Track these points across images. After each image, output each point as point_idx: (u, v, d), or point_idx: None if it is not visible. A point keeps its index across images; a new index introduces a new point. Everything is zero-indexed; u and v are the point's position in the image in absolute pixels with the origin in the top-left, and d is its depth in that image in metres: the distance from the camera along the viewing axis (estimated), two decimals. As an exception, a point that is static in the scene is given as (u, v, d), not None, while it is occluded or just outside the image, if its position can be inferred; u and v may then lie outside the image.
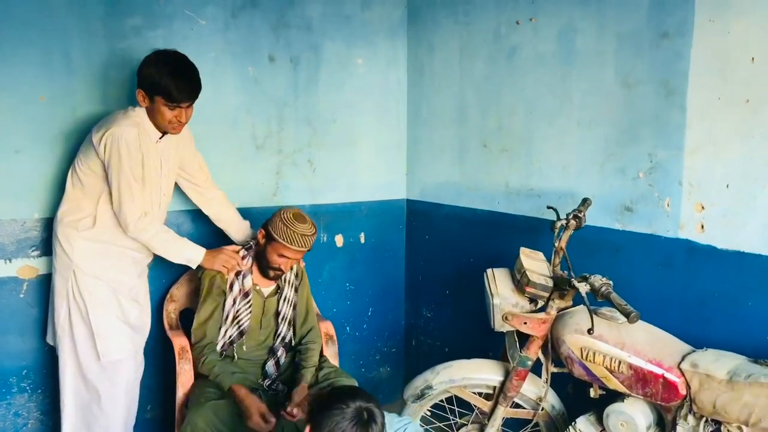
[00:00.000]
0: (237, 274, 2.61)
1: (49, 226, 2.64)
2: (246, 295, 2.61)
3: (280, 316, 2.69)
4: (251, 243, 2.70)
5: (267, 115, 3.20)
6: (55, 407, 2.59)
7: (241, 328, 2.61)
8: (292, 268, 2.71)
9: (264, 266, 2.61)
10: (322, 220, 3.45)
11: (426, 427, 2.70)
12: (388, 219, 3.72)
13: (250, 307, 2.62)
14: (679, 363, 2.04)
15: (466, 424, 2.63)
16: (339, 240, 3.53)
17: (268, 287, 2.69)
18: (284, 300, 2.70)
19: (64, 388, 2.52)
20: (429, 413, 2.66)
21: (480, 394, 2.53)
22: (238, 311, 2.59)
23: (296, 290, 2.76)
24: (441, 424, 2.69)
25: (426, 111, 3.54)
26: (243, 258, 2.64)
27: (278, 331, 2.70)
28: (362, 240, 3.62)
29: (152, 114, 2.44)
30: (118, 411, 2.54)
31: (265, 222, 2.61)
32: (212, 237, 2.93)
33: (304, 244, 2.52)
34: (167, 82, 2.34)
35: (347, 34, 3.40)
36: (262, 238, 2.58)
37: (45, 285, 2.65)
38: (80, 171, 2.45)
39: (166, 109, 2.40)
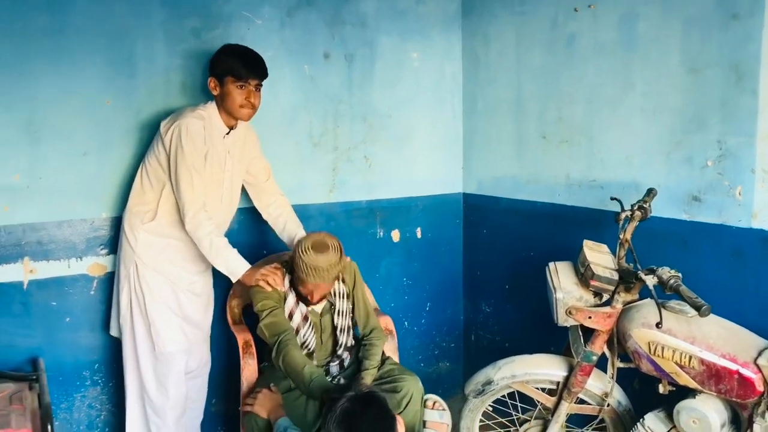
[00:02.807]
0: (297, 303, 2.55)
1: (115, 224, 2.73)
2: (306, 319, 2.56)
3: (338, 330, 2.64)
4: (289, 262, 2.58)
5: (323, 112, 3.22)
6: (125, 400, 2.68)
7: (311, 350, 2.58)
8: (339, 277, 2.60)
9: (298, 293, 2.55)
10: (379, 215, 3.46)
11: (488, 422, 2.67)
12: (445, 213, 3.69)
13: (312, 329, 2.58)
14: (756, 358, 1.96)
15: (529, 420, 2.60)
16: (395, 235, 3.53)
17: (319, 305, 2.61)
18: (338, 314, 2.65)
19: (127, 377, 2.62)
20: (491, 408, 2.64)
21: (543, 389, 2.50)
22: (305, 336, 2.54)
23: (348, 296, 2.69)
24: (503, 420, 2.67)
25: (482, 103, 3.50)
26: (290, 283, 2.55)
27: (339, 343, 2.65)
28: (419, 235, 3.61)
29: (223, 100, 2.53)
30: (168, 402, 2.60)
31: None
32: (267, 240, 2.98)
33: (321, 278, 2.39)
34: (235, 61, 2.50)
35: (402, 29, 3.39)
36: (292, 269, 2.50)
37: (112, 282, 2.73)
38: (148, 164, 2.54)
39: (236, 89, 2.50)
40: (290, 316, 2.53)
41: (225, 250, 2.51)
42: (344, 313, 2.67)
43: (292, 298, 2.55)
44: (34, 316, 2.64)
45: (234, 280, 2.55)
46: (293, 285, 2.55)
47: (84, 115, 2.65)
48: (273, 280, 2.50)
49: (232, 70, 2.49)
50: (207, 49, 2.83)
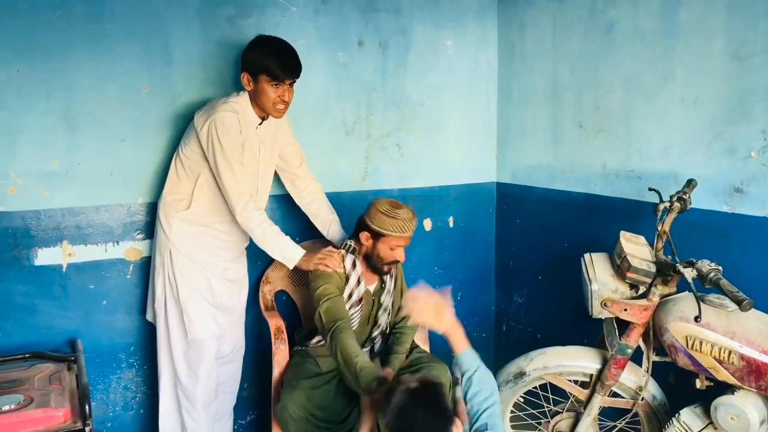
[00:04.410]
0: (357, 282, 2.57)
1: (151, 210, 2.77)
2: (359, 301, 2.58)
3: (382, 308, 2.66)
4: (351, 244, 2.60)
5: (356, 100, 3.21)
6: (158, 383, 2.73)
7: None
8: None
9: (378, 264, 2.53)
10: (411, 204, 3.36)
11: (519, 413, 2.66)
12: (478, 203, 3.66)
13: (360, 311, 2.60)
14: (798, 355, 1.90)
15: (561, 412, 2.57)
16: (427, 224, 3.51)
17: (372, 284, 2.65)
18: (387, 293, 2.67)
19: (160, 361, 2.66)
20: (522, 400, 2.62)
21: (576, 381, 2.46)
22: (352, 318, 2.54)
23: (396, 278, 2.73)
24: (535, 411, 2.64)
25: (517, 92, 3.46)
26: (352, 264, 2.56)
27: (378, 323, 2.67)
28: (451, 224, 3.59)
29: (256, 96, 2.52)
30: (199, 388, 2.63)
31: (360, 223, 2.55)
32: (299, 227, 3.00)
33: (412, 228, 2.49)
34: (271, 60, 2.45)
35: (436, 16, 3.36)
36: (368, 239, 2.50)
37: (148, 266, 2.78)
38: (183, 154, 2.56)
39: (270, 88, 2.47)
40: (348, 296, 2.55)
41: (278, 238, 2.52)
42: (391, 293, 2.70)
43: (354, 279, 2.56)
44: (72, 299, 2.70)
45: (291, 267, 2.56)
46: (369, 263, 2.56)
47: (121, 102, 2.68)
48: (332, 262, 2.51)
49: (268, 70, 2.45)
50: (242, 36, 2.84)
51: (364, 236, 2.51)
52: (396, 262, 2.54)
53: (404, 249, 2.55)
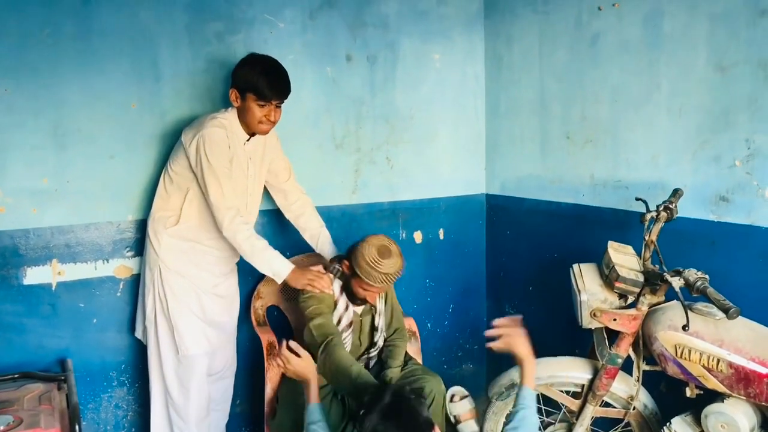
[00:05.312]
0: (346, 307, 2.56)
1: (141, 227, 2.77)
2: (350, 324, 2.58)
3: (377, 330, 2.66)
4: (339, 269, 2.56)
5: (345, 114, 3.23)
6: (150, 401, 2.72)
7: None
8: None
9: (350, 294, 2.55)
10: (401, 216, 3.45)
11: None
12: (468, 214, 3.68)
13: (352, 333, 2.60)
14: (786, 362, 1.92)
15: (554, 423, 2.57)
16: (418, 236, 3.52)
17: (360, 307, 2.64)
18: (379, 314, 2.67)
19: (151, 379, 2.65)
20: (514, 411, 2.62)
21: (567, 392, 2.47)
22: (344, 340, 2.54)
23: (385, 297, 2.72)
24: (527, 423, 2.64)
25: (505, 104, 3.48)
26: (341, 289, 2.56)
27: (376, 343, 2.67)
28: (441, 236, 3.60)
29: (243, 113, 2.52)
30: (190, 405, 2.62)
31: (349, 251, 2.51)
32: (289, 242, 3.00)
33: (388, 281, 2.43)
34: (259, 80, 2.45)
35: (423, 30, 3.38)
36: (347, 269, 2.50)
37: (138, 284, 2.77)
38: (171, 170, 2.56)
39: (256, 107, 2.48)
40: (338, 322, 2.54)
41: (266, 253, 2.50)
42: (383, 314, 2.69)
43: (342, 304, 2.56)
44: (62, 318, 2.69)
45: (279, 282, 2.54)
46: (345, 289, 2.56)
47: (110, 119, 2.69)
48: (320, 284, 2.50)
49: (256, 89, 2.45)
50: (231, 53, 2.86)
51: (345, 265, 2.51)
52: (366, 301, 2.53)
53: (378, 293, 2.54)
